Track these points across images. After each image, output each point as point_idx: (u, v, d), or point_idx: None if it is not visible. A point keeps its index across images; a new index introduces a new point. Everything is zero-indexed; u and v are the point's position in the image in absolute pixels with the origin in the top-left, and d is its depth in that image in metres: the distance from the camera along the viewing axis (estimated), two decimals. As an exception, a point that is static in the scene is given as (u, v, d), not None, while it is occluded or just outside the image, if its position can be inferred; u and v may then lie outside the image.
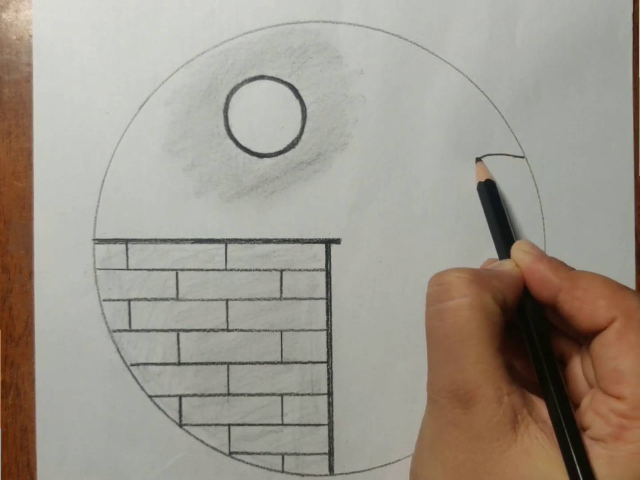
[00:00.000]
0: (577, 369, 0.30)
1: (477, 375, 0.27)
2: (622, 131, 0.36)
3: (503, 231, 0.33)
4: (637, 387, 0.26)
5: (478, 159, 0.36)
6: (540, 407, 0.28)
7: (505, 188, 0.36)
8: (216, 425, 0.35)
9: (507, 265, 0.30)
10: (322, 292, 0.36)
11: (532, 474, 0.26)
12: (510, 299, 0.29)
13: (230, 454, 0.35)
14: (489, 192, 0.34)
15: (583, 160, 0.36)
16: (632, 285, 0.36)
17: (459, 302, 0.27)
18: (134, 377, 0.35)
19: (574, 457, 0.25)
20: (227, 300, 0.36)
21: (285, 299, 0.36)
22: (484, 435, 0.26)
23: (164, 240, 0.35)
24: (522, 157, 0.36)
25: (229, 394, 0.36)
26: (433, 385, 0.28)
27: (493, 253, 0.35)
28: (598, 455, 0.26)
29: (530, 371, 0.30)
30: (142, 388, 0.35)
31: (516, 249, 0.31)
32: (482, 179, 0.35)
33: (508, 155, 0.36)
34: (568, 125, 0.36)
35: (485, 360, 0.27)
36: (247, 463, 0.35)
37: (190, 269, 0.35)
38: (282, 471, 0.35)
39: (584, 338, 0.30)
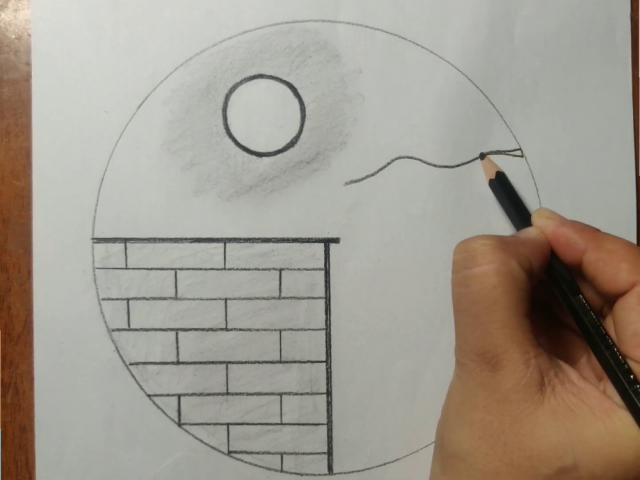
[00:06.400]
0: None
1: (504, 339, 0.27)
2: (622, 130, 0.36)
3: (521, 211, 0.34)
4: None
5: (483, 155, 0.36)
6: (567, 369, 0.28)
7: (505, 187, 0.36)
8: (215, 424, 0.35)
9: (532, 232, 0.31)
10: (321, 292, 0.36)
11: (560, 435, 0.26)
12: (537, 265, 0.29)
13: (229, 453, 0.35)
14: (502, 184, 0.35)
15: (582, 159, 0.36)
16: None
17: (485, 269, 0.28)
18: (132, 376, 0.35)
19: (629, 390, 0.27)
20: (225, 300, 0.36)
21: (284, 298, 0.36)
22: (512, 397, 0.27)
23: (163, 240, 0.35)
24: (521, 156, 0.36)
25: (227, 393, 0.35)
26: (461, 349, 0.29)
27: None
28: None
29: (554, 343, 0.31)
30: (141, 387, 0.35)
31: (538, 217, 0.32)
32: (492, 175, 0.35)
33: (507, 154, 0.36)
34: (567, 124, 0.36)
35: (511, 325, 0.27)
36: (246, 462, 0.35)
37: (189, 268, 0.35)
38: (281, 470, 0.35)
39: (607, 302, 0.30)
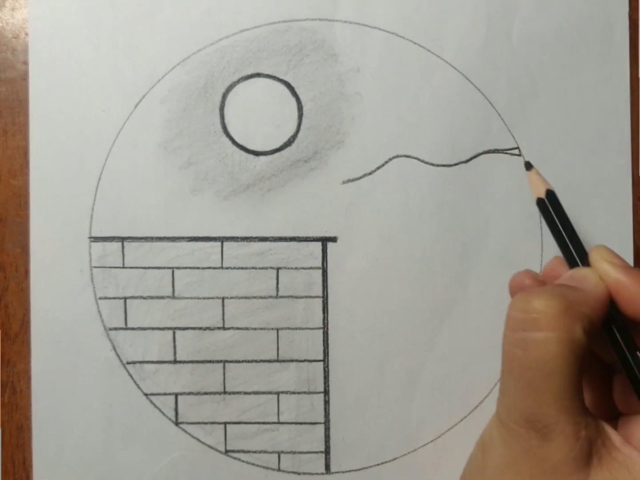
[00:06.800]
0: None
1: (557, 410, 0.26)
2: (620, 129, 0.36)
3: (576, 244, 0.30)
4: None
5: (529, 166, 0.32)
6: (612, 434, 0.27)
7: (502, 186, 0.36)
8: (212, 423, 0.35)
9: (590, 279, 0.28)
10: (318, 291, 0.36)
11: None
12: (597, 323, 0.27)
13: (227, 452, 0.35)
14: (553, 206, 0.31)
15: (580, 158, 0.36)
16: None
17: (548, 336, 0.26)
18: (130, 375, 0.35)
19: None
20: (223, 299, 0.36)
21: (282, 297, 0.36)
22: (560, 470, 0.26)
23: (160, 239, 0.35)
24: (519, 155, 0.36)
25: (225, 392, 0.35)
26: (508, 411, 0.27)
27: (490, 252, 0.35)
28: None
29: (599, 402, 0.30)
30: (138, 386, 0.35)
31: (598, 259, 0.29)
32: (542, 193, 0.31)
33: (505, 152, 0.36)
34: (565, 123, 0.36)
35: (566, 396, 0.26)
36: (243, 461, 0.35)
37: (186, 267, 0.35)
38: (279, 469, 0.35)
39: None
